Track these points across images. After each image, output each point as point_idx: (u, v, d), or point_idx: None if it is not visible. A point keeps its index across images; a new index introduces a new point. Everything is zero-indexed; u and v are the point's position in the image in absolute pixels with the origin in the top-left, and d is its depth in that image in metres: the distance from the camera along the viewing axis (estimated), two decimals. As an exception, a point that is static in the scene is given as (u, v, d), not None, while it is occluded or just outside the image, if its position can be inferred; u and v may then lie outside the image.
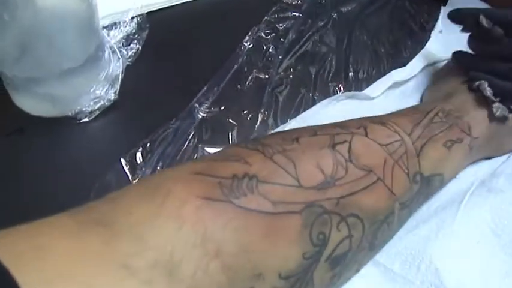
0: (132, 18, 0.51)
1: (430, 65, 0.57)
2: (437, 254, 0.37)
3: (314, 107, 0.47)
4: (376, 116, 0.38)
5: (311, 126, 0.36)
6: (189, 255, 0.22)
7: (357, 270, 0.35)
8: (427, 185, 0.37)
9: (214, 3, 0.58)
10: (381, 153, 0.33)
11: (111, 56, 0.46)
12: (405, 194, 0.34)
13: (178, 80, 0.49)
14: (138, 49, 0.50)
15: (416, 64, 0.56)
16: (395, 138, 0.35)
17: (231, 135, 0.44)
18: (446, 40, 0.59)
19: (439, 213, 0.40)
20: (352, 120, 0.37)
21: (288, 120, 0.45)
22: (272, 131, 0.43)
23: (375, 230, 0.32)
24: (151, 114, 0.45)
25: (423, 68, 0.56)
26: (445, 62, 0.54)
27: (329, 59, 0.52)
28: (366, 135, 0.34)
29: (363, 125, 0.35)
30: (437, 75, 0.54)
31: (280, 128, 0.44)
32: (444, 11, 0.62)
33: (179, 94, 0.46)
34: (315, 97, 0.49)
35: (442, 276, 0.36)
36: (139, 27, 0.51)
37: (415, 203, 0.36)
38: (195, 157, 0.40)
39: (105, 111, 0.45)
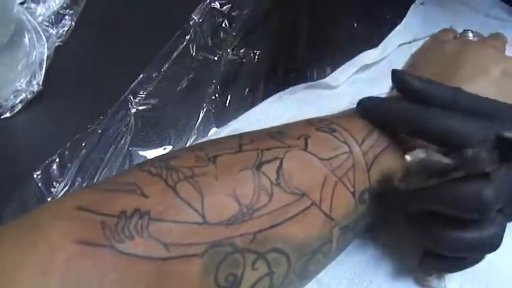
0: None
1: (408, 43, 0.52)
2: (386, 274, 0.34)
3: (263, 103, 0.42)
4: (327, 119, 0.33)
5: (242, 135, 0.31)
6: None
7: None
8: (378, 203, 0.34)
9: None
10: (321, 170, 0.29)
11: (35, 39, 0.41)
12: (348, 217, 0.30)
13: (115, 64, 0.44)
14: (71, 26, 0.46)
15: (390, 42, 0.50)
16: (342, 151, 0.30)
17: (169, 134, 0.40)
18: (428, 13, 0.55)
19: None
20: (296, 124, 0.33)
21: (230, 122, 0.41)
22: (213, 132, 0.39)
23: (306, 262, 0.28)
24: (81, 107, 0.42)
25: (399, 47, 0.51)
26: (427, 39, 0.50)
27: (294, 37, 0.47)
28: (305, 149, 0.30)
29: (305, 134, 0.31)
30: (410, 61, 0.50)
31: (219, 131, 0.40)
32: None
33: (115, 82, 0.43)
34: (273, 86, 0.44)
35: None
36: (74, 1, 0.46)
37: (363, 224, 0.32)
38: (126, 164, 0.37)
39: (28, 104, 0.41)
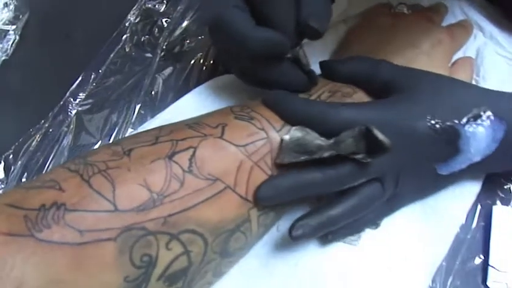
0: (5, 4, 0.50)
1: (341, 20, 0.55)
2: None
3: (190, 93, 0.46)
4: (248, 107, 0.36)
5: (162, 127, 0.35)
6: None
7: (218, 275, 0.35)
8: None
9: None
10: (236, 156, 0.32)
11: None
12: None
13: (57, 71, 0.49)
14: (15, 39, 0.50)
15: None
16: (259, 137, 0.33)
17: (109, 132, 0.44)
18: None
19: None
20: (216, 113, 0.37)
21: (157, 114, 0.44)
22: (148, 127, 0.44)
23: (224, 240, 0.31)
24: (25, 113, 0.45)
25: (335, 25, 0.54)
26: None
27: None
28: (221, 136, 0.32)
29: (222, 122, 0.34)
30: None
31: (148, 124, 0.44)
32: None
33: (58, 87, 0.47)
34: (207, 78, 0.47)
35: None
36: (16, 14, 0.51)
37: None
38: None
39: None
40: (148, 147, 0.31)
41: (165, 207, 0.28)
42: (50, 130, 0.44)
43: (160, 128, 0.35)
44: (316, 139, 0.33)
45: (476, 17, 0.58)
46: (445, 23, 0.56)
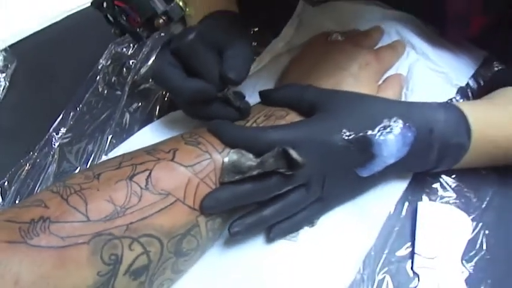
0: None
1: (286, 51, 0.62)
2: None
3: (147, 127, 0.53)
4: (196, 133, 0.43)
5: (124, 154, 0.43)
6: None
7: (177, 272, 0.41)
8: None
9: (74, 23, 0.66)
10: (185, 174, 0.39)
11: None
12: None
13: (43, 110, 0.57)
14: (5, 85, 0.59)
15: (267, 53, 0.61)
16: (204, 158, 0.40)
17: (86, 159, 0.52)
18: (304, 22, 0.64)
19: None
20: (170, 140, 0.43)
21: (120, 144, 0.52)
22: (117, 153, 0.51)
23: (178, 242, 0.38)
24: (16, 147, 0.54)
25: (277, 57, 0.61)
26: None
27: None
28: (173, 159, 0.39)
29: (174, 147, 0.41)
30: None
31: (115, 152, 0.51)
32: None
33: (43, 123, 0.56)
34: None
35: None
36: (4, 64, 0.59)
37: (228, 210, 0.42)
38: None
39: None
40: (113, 171, 0.38)
41: (127, 217, 0.35)
42: (38, 160, 0.52)
43: (123, 155, 0.42)
44: (248, 160, 0.40)
45: (410, 37, 0.64)
46: (381, 43, 0.63)
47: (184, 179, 0.39)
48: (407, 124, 0.42)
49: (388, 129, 0.42)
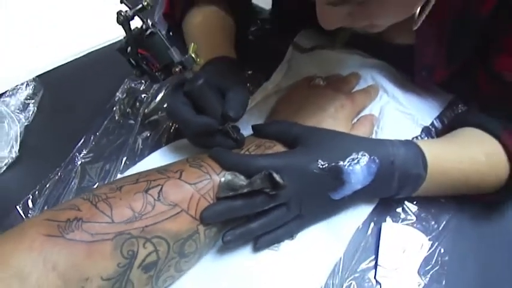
0: (27, 84, 0.68)
1: (273, 92, 0.70)
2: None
3: (159, 150, 0.60)
4: (199, 158, 0.50)
5: (140, 172, 0.50)
6: (34, 270, 0.36)
7: (179, 271, 0.47)
8: None
9: (95, 58, 0.75)
10: (189, 190, 0.46)
11: (11, 122, 0.64)
12: None
13: (66, 133, 0.64)
14: (34, 110, 0.67)
15: (258, 93, 0.69)
16: (205, 178, 0.47)
17: (104, 177, 0.60)
18: (292, 66, 0.73)
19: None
20: (177, 163, 0.51)
21: (135, 165, 0.59)
22: (131, 172, 0.57)
23: (181, 245, 0.45)
24: (44, 163, 0.60)
25: (266, 97, 0.69)
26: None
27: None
28: (180, 178, 0.46)
29: (181, 169, 0.48)
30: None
31: (131, 170, 0.59)
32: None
33: (67, 145, 0.63)
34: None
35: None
36: (34, 91, 0.67)
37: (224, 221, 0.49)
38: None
39: (10, 165, 0.62)
40: (132, 185, 0.45)
41: (142, 221, 0.42)
42: (62, 176, 0.59)
43: (139, 173, 0.49)
44: (240, 181, 0.48)
45: (383, 82, 0.73)
46: (359, 87, 0.72)
47: (189, 194, 0.46)
48: (372, 157, 0.50)
49: (356, 161, 0.50)
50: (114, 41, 0.78)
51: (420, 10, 0.51)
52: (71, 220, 0.41)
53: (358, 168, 0.50)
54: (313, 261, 0.54)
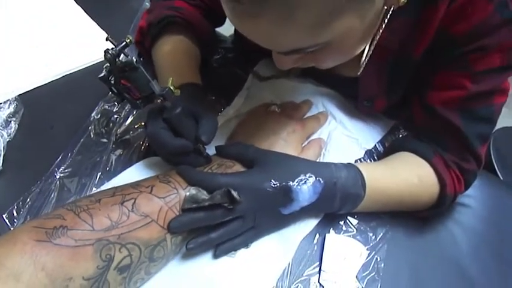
0: (9, 103, 0.73)
1: (234, 117, 0.77)
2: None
3: (132, 167, 0.65)
4: (168, 175, 0.55)
5: (116, 187, 0.54)
6: (26, 270, 0.41)
7: (148, 273, 0.52)
8: None
9: (73, 80, 0.79)
10: (159, 203, 0.51)
11: (-5, 138, 0.71)
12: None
13: (45, 149, 0.69)
14: (15, 127, 0.71)
15: (224, 114, 0.76)
16: (172, 192, 0.53)
17: (81, 190, 0.66)
18: (250, 94, 0.80)
19: None
20: (148, 179, 0.56)
21: (110, 180, 0.64)
22: (106, 187, 0.63)
23: (151, 250, 0.50)
24: (26, 176, 0.65)
25: (225, 121, 0.76)
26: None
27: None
28: (151, 192, 0.52)
29: (151, 184, 0.53)
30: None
31: (107, 185, 0.64)
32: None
33: (46, 160, 0.68)
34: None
35: None
36: (15, 110, 0.72)
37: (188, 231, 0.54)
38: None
39: None
40: (109, 197, 0.51)
41: (119, 230, 0.47)
42: (43, 189, 0.64)
43: (115, 188, 0.56)
44: (203, 195, 0.54)
45: (332, 109, 0.80)
46: (311, 113, 0.79)
47: (158, 207, 0.51)
48: (317, 178, 0.57)
49: (303, 181, 0.56)
50: (90, 63, 0.83)
51: (363, 54, 0.59)
52: (57, 227, 0.45)
53: (305, 188, 0.56)
54: (265, 267, 0.59)
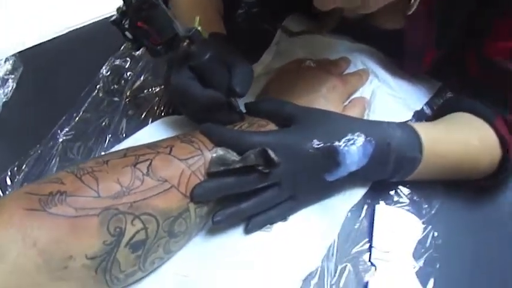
0: (6, 60, 0.64)
1: (263, 74, 0.68)
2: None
3: (148, 126, 0.57)
4: (190, 134, 0.47)
5: (128, 148, 0.47)
6: (13, 247, 0.34)
7: (168, 252, 0.44)
8: None
9: (78, 36, 0.72)
10: (179, 166, 0.43)
11: (-11, 98, 0.60)
12: None
13: (48, 109, 0.62)
14: (13, 86, 0.63)
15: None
16: (196, 154, 0.44)
17: (88, 155, 0.57)
18: (280, 50, 0.70)
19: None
20: (167, 139, 0.47)
21: (123, 141, 0.56)
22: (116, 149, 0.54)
23: (171, 223, 0.42)
24: (24, 139, 0.58)
25: (257, 77, 0.66)
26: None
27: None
28: (170, 153, 0.43)
29: (171, 144, 0.45)
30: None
31: (118, 146, 0.55)
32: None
33: (46, 122, 0.60)
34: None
35: None
36: (13, 67, 0.64)
37: (214, 200, 0.46)
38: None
39: None
40: (119, 159, 0.43)
41: (131, 196, 0.39)
42: (42, 153, 0.57)
43: (127, 148, 0.47)
44: (232, 156, 0.45)
45: (373, 67, 0.70)
46: (348, 71, 0.69)
47: (179, 170, 0.43)
48: (368, 138, 0.48)
49: (351, 142, 0.47)
50: (96, 19, 0.76)
51: None
52: (53, 194, 0.37)
53: (354, 149, 0.47)
54: (308, 244, 0.51)
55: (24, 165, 0.55)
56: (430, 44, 0.64)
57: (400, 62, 0.70)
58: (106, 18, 0.74)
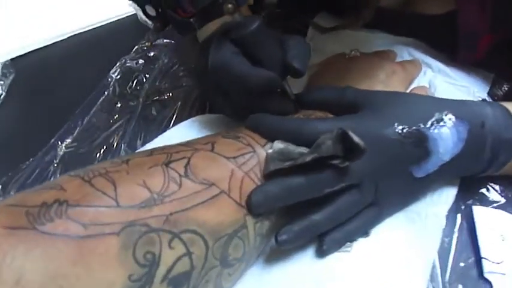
0: None
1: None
2: None
3: (177, 126, 0.48)
4: (233, 130, 0.37)
5: (155, 147, 0.34)
6: None
7: None
8: None
9: (81, 39, 0.64)
10: (227, 166, 0.32)
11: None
12: None
13: (43, 120, 0.53)
14: (2, 94, 0.54)
15: None
16: (246, 151, 0.33)
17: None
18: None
19: None
20: (205, 136, 0.37)
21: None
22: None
23: (224, 245, 0.29)
24: (16, 151, 0.49)
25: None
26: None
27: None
28: (212, 150, 0.32)
29: (211, 140, 0.34)
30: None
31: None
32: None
33: (44, 132, 0.51)
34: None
35: None
36: (4, 74, 0.54)
37: (277, 213, 0.35)
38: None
39: None
40: (144, 157, 0.31)
41: (166, 206, 0.27)
42: (38, 167, 0.48)
43: (153, 148, 0.34)
44: (297, 149, 0.33)
45: (423, 57, 0.61)
46: None
47: (227, 171, 0.31)
48: (459, 118, 0.37)
49: (441, 123, 0.36)
50: (88, 28, 0.70)
51: None
52: (48, 204, 0.25)
53: (447, 132, 0.36)
54: (402, 265, 0.37)
55: (13, 180, 0.45)
56: (484, 28, 0.56)
57: (451, 51, 0.60)
58: (107, 24, 0.69)
